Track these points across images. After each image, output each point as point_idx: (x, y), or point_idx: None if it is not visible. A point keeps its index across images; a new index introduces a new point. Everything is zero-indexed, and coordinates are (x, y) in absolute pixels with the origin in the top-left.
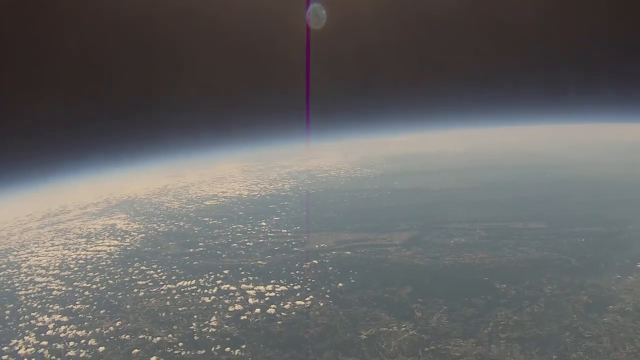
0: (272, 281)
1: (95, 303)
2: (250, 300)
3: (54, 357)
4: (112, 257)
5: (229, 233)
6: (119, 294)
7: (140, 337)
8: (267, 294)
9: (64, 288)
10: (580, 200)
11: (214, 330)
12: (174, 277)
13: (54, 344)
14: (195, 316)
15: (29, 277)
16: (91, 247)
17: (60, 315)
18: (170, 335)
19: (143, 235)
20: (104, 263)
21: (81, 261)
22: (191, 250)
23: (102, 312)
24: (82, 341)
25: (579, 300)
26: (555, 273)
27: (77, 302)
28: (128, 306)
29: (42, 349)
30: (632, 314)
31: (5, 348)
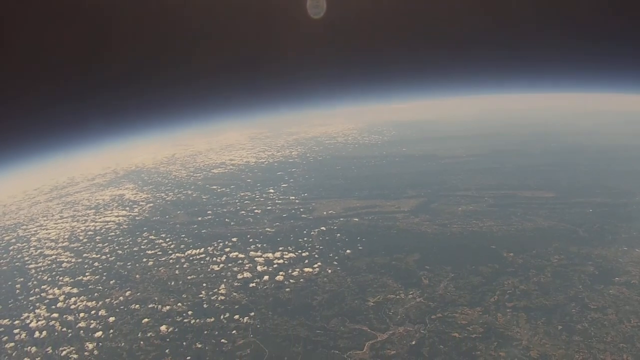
0: (280, 248)
1: (104, 274)
2: (259, 268)
3: (64, 329)
4: (121, 227)
5: (237, 201)
6: (128, 264)
7: (150, 306)
8: (275, 261)
9: (73, 260)
10: (588, 169)
11: (222, 298)
12: (182, 246)
13: (64, 316)
14: (204, 284)
15: (39, 251)
16: (100, 218)
17: (70, 287)
18: (179, 304)
19: (151, 204)
20: (113, 234)
21: (90, 232)
22: (199, 218)
23: (111, 282)
24: (93, 312)
25: (586, 271)
26: (562, 243)
27: (87, 274)
28: (137, 276)
29: (53, 321)
30: (637, 286)
31: (17, 322)
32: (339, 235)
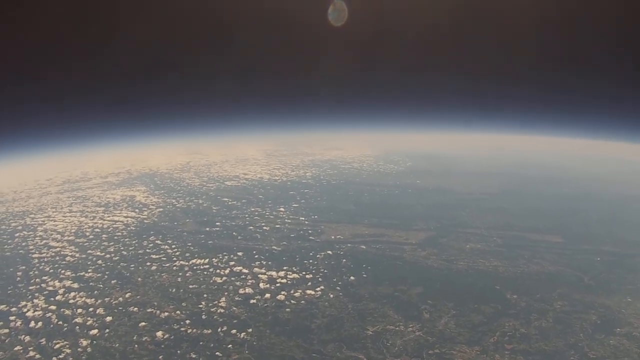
0: (285, 268)
1: (107, 272)
2: (262, 285)
3: (61, 322)
4: (129, 228)
5: (246, 215)
6: (132, 265)
7: (149, 310)
8: (278, 280)
9: (77, 255)
10: (599, 217)
11: (222, 311)
12: (187, 254)
13: (62, 309)
14: (205, 295)
15: (44, 241)
16: (108, 216)
17: (71, 282)
18: (178, 312)
19: (161, 209)
20: (120, 234)
21: (97, 230)
22: (208, 228)
23: (113, 282)
24: (91, 309)
25: (588, 319)
26: (567, 289)
27: (89, 270)
28: (139, 279)
29: (50, 313)
30: (639, 339)
31: (14, 309)
32: (344, 260)
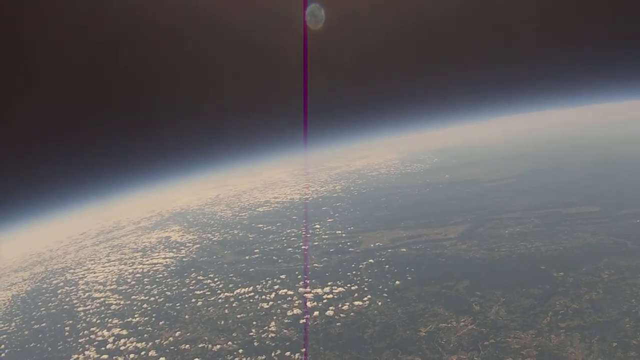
0: (329, 283)
1: (153, 315)
2: (309, 304)
3: None
4: (169, 269)
5: (283, 238)
6: (177, 304)
7: (200, 346)
8: (324, 296)
9: (122, 302)
10: (629, 179)
11: (273, 335)
12: (231, 285)
13: (114, 357)
14: (254, 322)
15: (87, 294)
16: (147, 260)
17: (119, 329)
18: (230, 343)
19: (198, 245)
20: (161, 275)
21: (138, 275)
22: (247, 257)
23: (161, 323)
24: (143, 353)
25: (638, 284)
26: (612, 257)
27: (136, 315)
28: (187, 316)
29: None
30: None
31: None
32: (387, 266)
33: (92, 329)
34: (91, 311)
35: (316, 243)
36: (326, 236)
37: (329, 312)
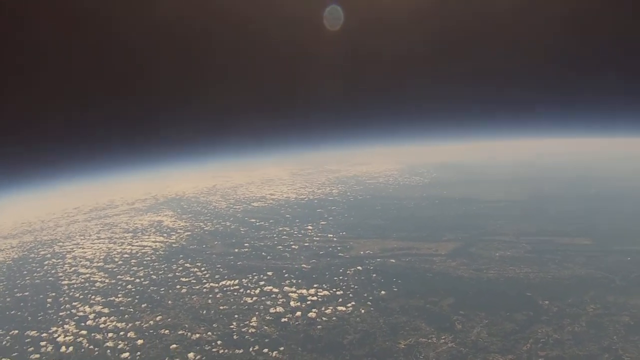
0: (315, 285)
1: (137, 297)
2: (292, 303)
3: (92, 347)
4: (157, 253)
5: (275, 235)
6: (162, 289)
7: (180, 332)
8: (309, 298)
9: (107, 280)
10: (626, 216)
11: (253, 330)
12: (217, 276)
13: (93, 334)
14: (236, 316)
15: (73, 268)
16: (137, 242)
17: (101, 307)
18: (209, 333)
19: (189, 233)
20: (149, 258)
21: (126, 255)
22: (236, 250)
23: (143, 305)
24: (122, 333)
25: (621, 321)
26: (599, 291)
27: (120, 295)
28: (170, 302)
29: (81, 338)
30: None
31: (44, 334)
32: (374, 275)
33: (74, 303)
34: (75, 286)
35: (307, 244)
36: (317, 238)
37: (312, 314)
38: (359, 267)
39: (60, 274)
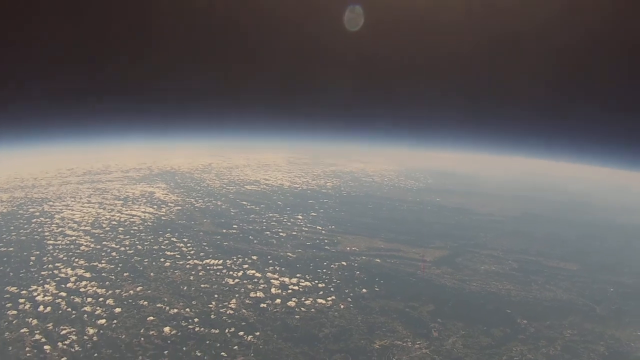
0: (298, 275)
1: (120, 265)
2: (273, 290)
3: (69, 309)
4: (145, 223)
5: (264, 220)
6: (145, 260)
7: (158, 305)
8: (290, 287)
9: (92, 245)
10: (617, 247)
11: (231, 312)
12: (202, 254)
13: (72, 297)
14: (216, 295)
15: (60, 229)
16: (126, 210)
17: (83, 271)
18: (187, 310)
19: (179, 207)
20: (136, 228)
21: (114, 222)
22: (224, 230)
23: (125, 274)
24: (100, 299)
25: (596, 350)
26: (578, 318)
27: (103, 261)
28: (152, 274)
29: (60, 300)
30: None
31: (24, 292)
32: (358, 272)
33: (57, 264)
34: (60, 247)
35: (295, 233)
36: (306, 229)
37: (291, 303)
38: (344, 263)
39: (47, 234)
